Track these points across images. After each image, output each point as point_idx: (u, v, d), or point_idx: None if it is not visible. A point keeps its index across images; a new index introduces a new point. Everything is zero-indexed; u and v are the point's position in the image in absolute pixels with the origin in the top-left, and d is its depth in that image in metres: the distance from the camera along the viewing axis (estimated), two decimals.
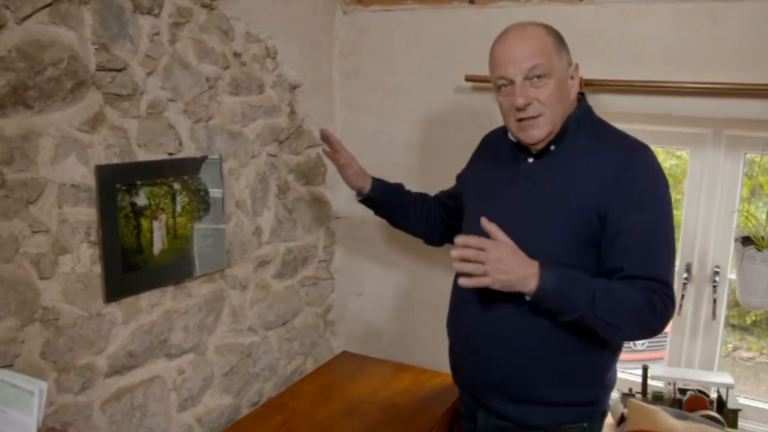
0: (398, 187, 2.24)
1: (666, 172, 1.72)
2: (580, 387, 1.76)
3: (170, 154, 2.06)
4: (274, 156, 2.54)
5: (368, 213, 2.27)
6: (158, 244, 2.03)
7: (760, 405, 2.39)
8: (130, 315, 1.98)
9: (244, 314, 2.47)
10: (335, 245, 3.00)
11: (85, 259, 1.83)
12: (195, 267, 2.19)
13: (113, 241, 1.88)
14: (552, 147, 1.74)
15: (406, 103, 2.73)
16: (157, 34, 1.98)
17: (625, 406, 2.28)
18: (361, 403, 2.48)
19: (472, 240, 1.57)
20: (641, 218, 1.62)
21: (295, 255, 2.72)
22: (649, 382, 2.38)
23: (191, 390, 2.25)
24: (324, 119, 2.81)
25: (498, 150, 1.92)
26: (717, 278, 2.36)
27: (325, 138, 2.17)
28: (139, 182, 1.94)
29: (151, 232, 2.00)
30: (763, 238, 2.14)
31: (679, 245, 2.34)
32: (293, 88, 2.61)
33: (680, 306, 2.37)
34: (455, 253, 1.58)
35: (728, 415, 2.23)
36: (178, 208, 2.09)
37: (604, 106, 2.21)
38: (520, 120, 1.70)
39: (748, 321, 5.51)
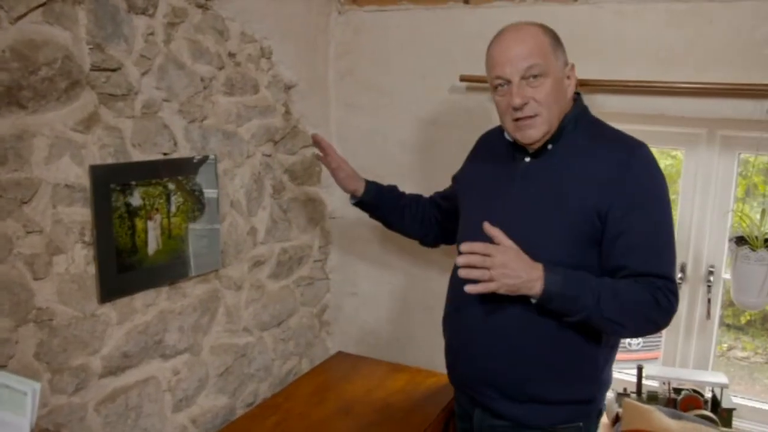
0: (392, 189, 2.24)
1: None
2: (576, 385, 1.76)
3: (165, 154, 2.06)
4: (269, 156, 2.54)
5: (363, 213, 2.27)
6: (153, 244, 2.03)
7: (755, 404, 2.40)
8: (124, 315, 1.98)
9: (239, 314, 2.46)
10: (330, 245, 3.00)
11: (79, 260, 1.82)
12: (190, 267, 2.18)
13: (108, 241, 1.88)
14: (549, 146, 1.75)
15: (401, 103, 2.73)
16: (151, 34, 1.97)
17: (620, 405, 2.28)
18: (356, 403, 2.48)
19: (478, 246, 1.58)
20: (643, 217, 1.63)
21: (290, 255, 2.72)
22: (644, 381, 2.38)
23: (186, 391, 2.25)
24: (319, 119, 2.81)
25: (494, 150, 1.92)
26: (711, 278, 2.36)
27: (317, 142, 2.17)
28: (133, 182, 1.94)
29: (146, 232, 2.00)
30: (757, 238, 2.15)
31: None
32: (288, 88, 2.61)
33: None
34: (461, 260, 1.58)
35: (723, 414, 2.23)
36: (173, 209, 2.09)
37: (599, 106, 2.22)
38: (517, 120, 1.70)
39: (743, 321, 5.52)
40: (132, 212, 1.94)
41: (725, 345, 5.48)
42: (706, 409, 2.25)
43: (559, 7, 2.32)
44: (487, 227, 1.62)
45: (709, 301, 2.37)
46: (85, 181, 1.81)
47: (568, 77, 1.74)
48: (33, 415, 1.41)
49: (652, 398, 2.34)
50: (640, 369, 2.38)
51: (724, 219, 2.34)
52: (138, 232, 1.97)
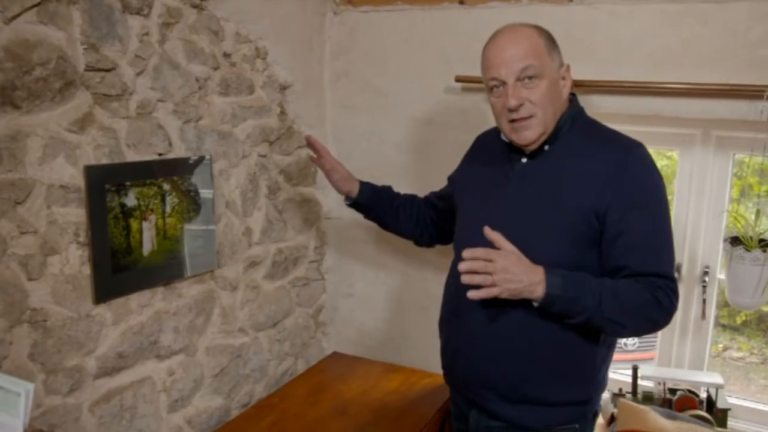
0: (386, 190, 2.24)
1: None
2: (574, 385, 1.76)
3: (160, 154, 2.06)
4: (265, 156, 2.54)
5: (359, 214, 2.27)
6: (148, 244, 2.02)
7: (750, 404, 2.40)
8: (119, 316, 1.98)
9: (235, 315, 2.46)
10: (326, 246, 3.00)
11: (74, 260, 1.82)
12: (185, 268, 2.18)
13: (102, 241, 1.88)
14: (546, 147, 1.75)
15: (397, 103, 2.72)
16: (146, 34, 1.97)
17: (615, 406, 2.29)
18: (352, 403, 2.48)
19: (479, 252, 1.57)
20: (642, 217, 1.63)
21: (285, 256, 2.72)
22: (639, 382, 2.38)
23: (181, 391, 2.24)
24: (314, 120, 2.80)
25: (491, 150, 1.92)
26: (706, 278, 2.37)
27: (310, 144, 2.17)
28: (128, 183, 1.94)
29: (141, 232, 1.99)
30: (751, 238, 2.15)
31: None
32: (283, 88, 2.61)
33: None
34: (463, 266, 1.58)
35: (718, 414, 2.24)
36: (168, 209, 2.09)
37: (594, 106, 2.22)
38: (513, 121, 1.71)
39: (739, 321, 5.52)
40: (127, 213, 1.94)
41: (721, 345, 5.48)
42: (701, 410, 2.25)
43: (554, 7, 2.32)
44: (488, 231, 1.61)
45: (704, 301, 2.38)
46: (80, 181, 1.81)
47: (564, 78, 1.74)
48: (26, 416, 1.41)
49: (648, 398, 2.34)
50: (635, 369, 2.39)
51: (719, 219, 2.34)
52: (133, 232, 1.97)
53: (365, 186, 2.19)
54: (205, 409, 2.36)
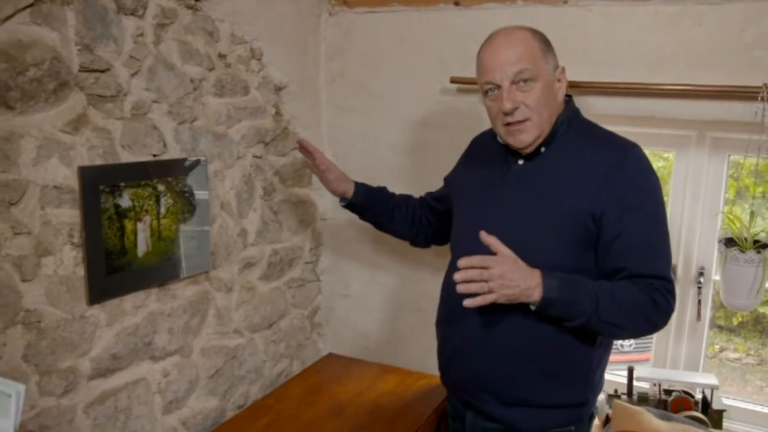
0: (381, 191, 2.24)
1: None
2: (569, 388, 1.76)
3: (154, 155, 2.05)
4: (260, 157, 2.53)
5: (354, 215, 2.27)
6: (142, 245, 2.02)
7: (745, 406, 2.40)
8: (113, 317, 1.97)
9: (230, 316, 2.46)
10: (322, 247, 3.00)
11: (68, 261, 1.81)
12: (180, 269, 2.17)
13: (96, 242, 1.87)
14: (542, 149, 1.75)
15: (392, 104, 2.72)
16: (141, 35, 1.97)
17: (611, 407, 2.28)
18: (347, 404, 2.48)
19: (475, 260, 1.57)
20: (638, 219, 1.64)
21: (281, 257, 2.72)
22: (635, 383, 2.38)
23: (176, 392, 2.24)
24: (310, 121, 2.80)
25: (487, 152, 1.92)
26: (702, 279, 2.37)
27: (303, 147, 2.17)
28: (122, 184, 1.93)
29: (135, 233, 1.99)
30: (746, 239, 2.15)
31: None
32: (279, 89, 2.61)
33: None
34: (459, 276, 1.57)
35: (713, 415, 2.24)
36: (163, 210, 2.08)
37: (589, 108, 2.22)
38: (508, 125, 1.71)
39: (735, 322, 5.53)
40: (121, 214, 1.94)
41: (717, 346, 5.49)
42: (696, 411, 2.26)
43: (548, 9, 2.32)
44: (483, 236, 1.61)
45: (699, 302, 2.38)
46: (74, 182, 1.80)
47: (559, 80, 1.74)
48: (17, 418, 1.40)
49: (643, 400, 2.34)
50: (630, 370, 2.39)
51: (714, 220, 2.34)
52: (127, 233, 1.96)
53: (360, 187, 2.19)
54: (200, 410, 2.36)
